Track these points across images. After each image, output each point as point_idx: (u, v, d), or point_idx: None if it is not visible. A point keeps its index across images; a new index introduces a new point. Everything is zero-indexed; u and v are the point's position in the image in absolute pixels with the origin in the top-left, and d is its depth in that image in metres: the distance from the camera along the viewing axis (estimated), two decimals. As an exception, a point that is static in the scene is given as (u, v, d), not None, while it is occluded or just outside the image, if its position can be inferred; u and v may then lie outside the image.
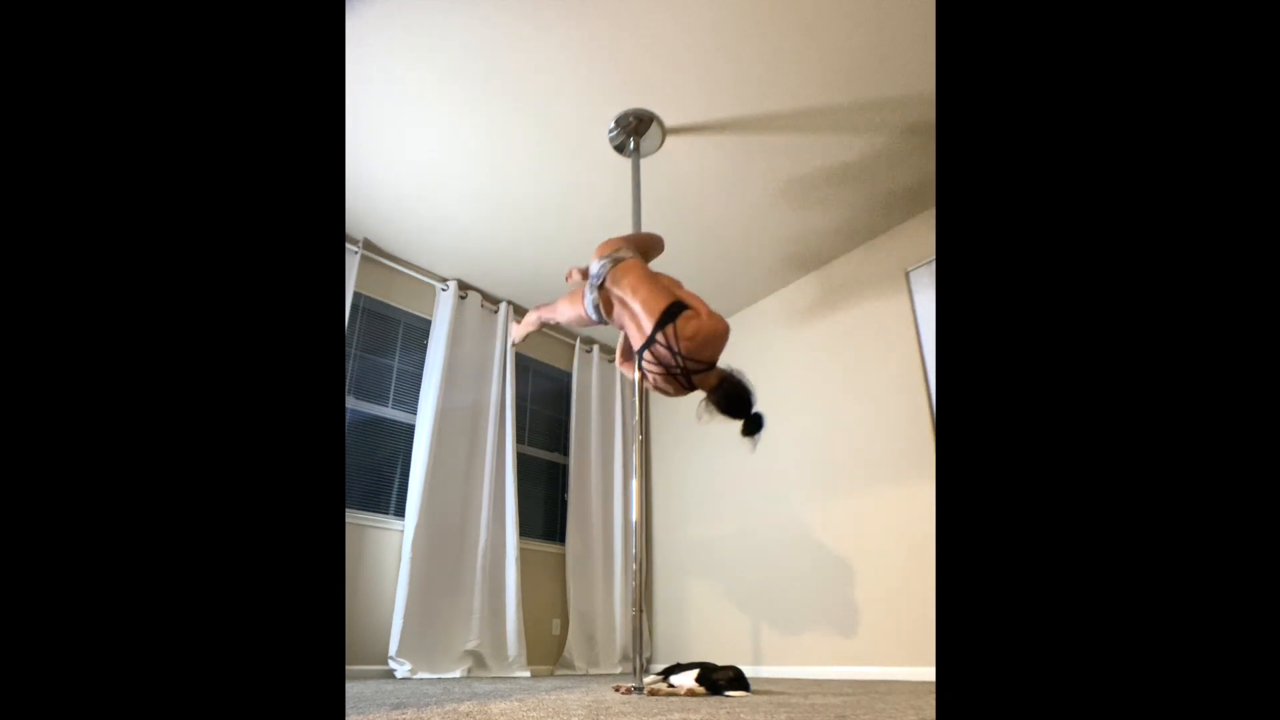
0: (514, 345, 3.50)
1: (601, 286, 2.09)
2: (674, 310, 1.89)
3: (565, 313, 2.29)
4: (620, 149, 2.76)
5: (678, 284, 2.09)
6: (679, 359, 1.87)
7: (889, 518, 2.90)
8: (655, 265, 2.80)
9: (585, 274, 2.39)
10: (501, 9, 2.19)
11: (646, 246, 2.29)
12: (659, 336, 1.88)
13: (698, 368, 1.89)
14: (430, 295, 3.71)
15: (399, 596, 2.99)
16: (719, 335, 1.89)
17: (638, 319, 1.96)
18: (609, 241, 2.20)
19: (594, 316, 2.16)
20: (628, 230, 3.26)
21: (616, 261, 2.07)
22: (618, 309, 2.06)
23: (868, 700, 1.55)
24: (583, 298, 2.18)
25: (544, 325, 2.59)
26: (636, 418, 2.21)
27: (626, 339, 2.18)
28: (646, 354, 1.93)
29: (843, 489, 3.14)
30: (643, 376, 2.03)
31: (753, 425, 1.95)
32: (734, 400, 1.93)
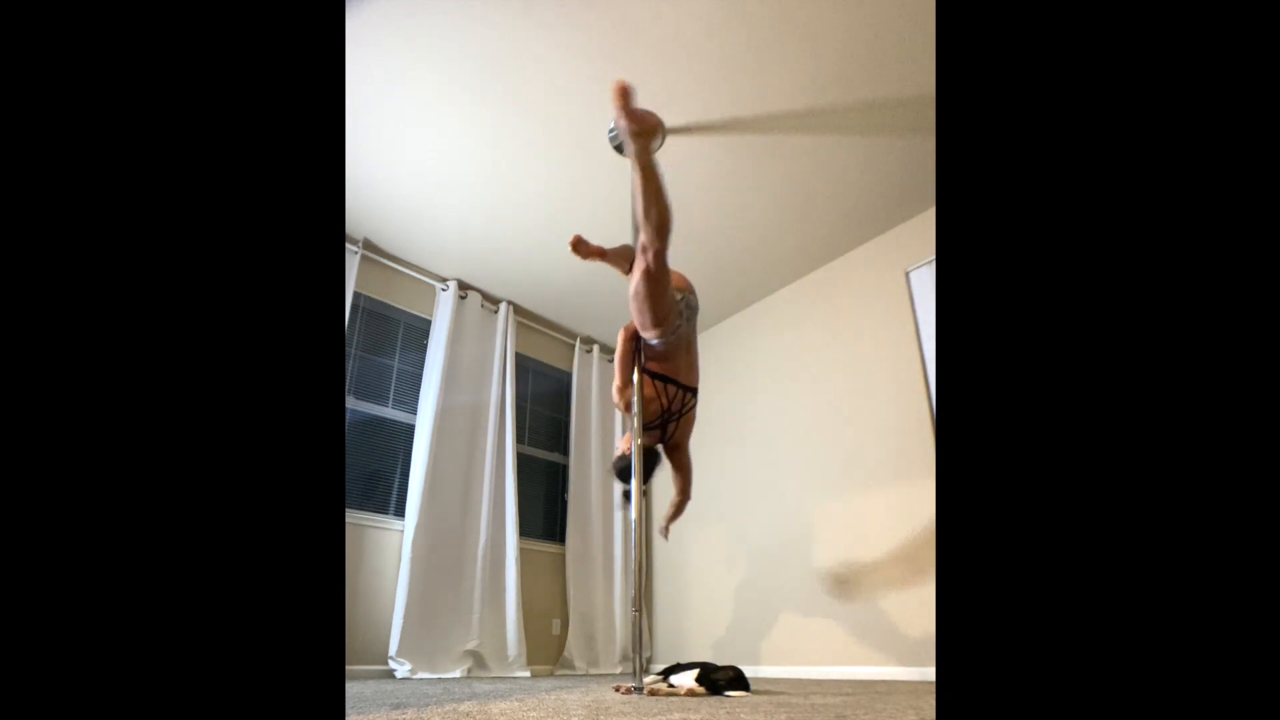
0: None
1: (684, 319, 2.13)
2: (696, 393, 2.23)
3: (665, 294, 1.90)
4: (620, 149, 2.76)
5: None
6: (668, 417, 2.17)
7: (889, 518, 2.90)
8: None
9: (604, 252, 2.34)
10: (501, 9, 2.19)
11: None
12: (688, 396, 2.17)
13: (676, 436, 2.24)
14: (430, 295, 3.71)
15: (399, 596, 2.99)
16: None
17: (689, 369, 2.18)
18: (681, 275, 2.21)
19: (667, 334, 1.99)
20: (627, 231, 3.26)
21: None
22: (678, 343, 2.11)
23: (868, 700, 1.55)
24: (674, 312, 2.00)
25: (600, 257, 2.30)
26: (636, 418, 2.21)
27: (634, 366, 2.18)
28: (673, 389, 2.16)
29: (843, 489, 3.14)
30: (636, 388, 2.17)
31: (627, 495, 2.21)
32: (647, 469, 2.19)
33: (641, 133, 1.62)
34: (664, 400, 2.10)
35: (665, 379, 2.11)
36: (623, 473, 2.19)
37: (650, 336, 2.03)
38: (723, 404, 4.00)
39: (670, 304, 1.95)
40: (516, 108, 2.59)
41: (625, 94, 1.59)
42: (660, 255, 1.80)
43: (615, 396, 2.22)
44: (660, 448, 2.25)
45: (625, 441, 2.22)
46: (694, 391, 2.19)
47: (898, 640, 2.73)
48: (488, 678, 3.05)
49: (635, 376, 2.16)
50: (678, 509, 2.46)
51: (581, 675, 3.50)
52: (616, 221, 3.25)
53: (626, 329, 2.17)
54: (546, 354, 4.27)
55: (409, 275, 3.63)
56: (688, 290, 2.12)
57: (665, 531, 2.60)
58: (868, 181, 2.98)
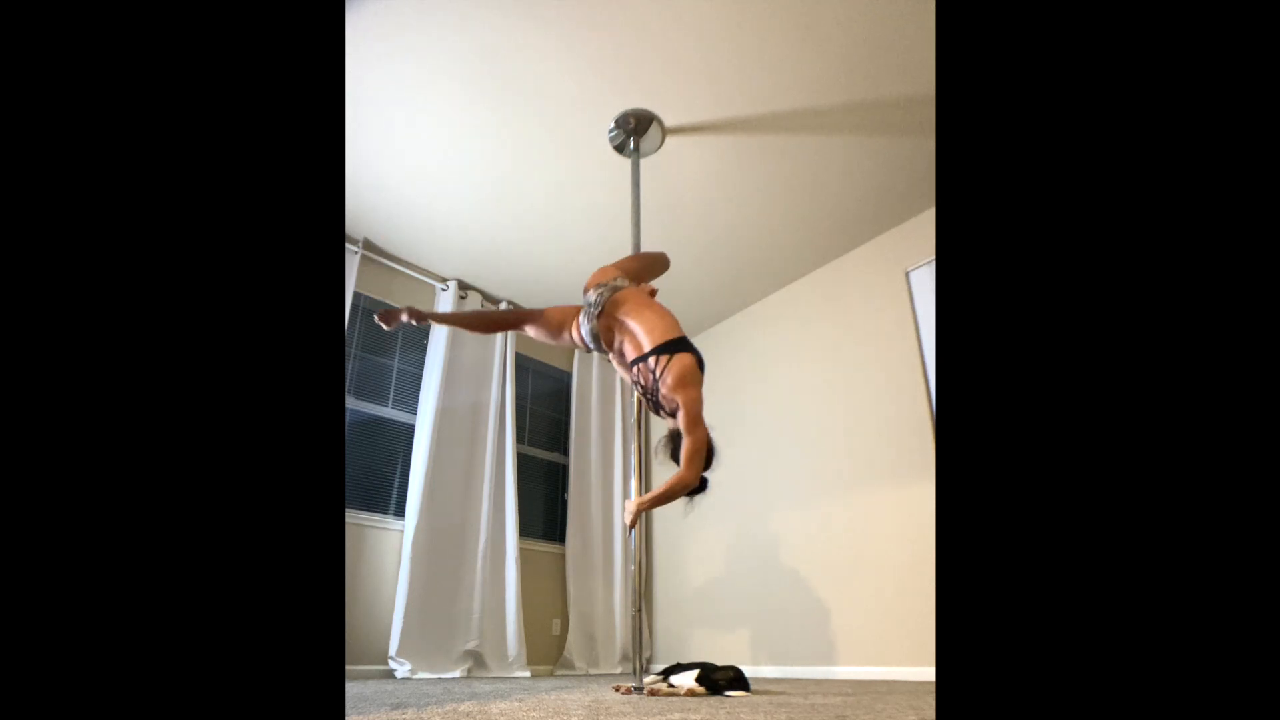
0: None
1: (601, 314, 2.04)
2: (678, 345, 1.94)
3: (549, 323, 2.18)
4: (620, 149, 2.76)
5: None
6: (654, 393, 1.95)
7: (889, 518, 2.90)
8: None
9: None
10: (502, 9, 2.19)
11: (643, 268, 2.31)
12: (651, 360, 1.93)
13: (669, 405, 1.95)
14: (430, 295, 3.71)
15: (399, 596, 2.99)
16: (690, 380, 1.94)
17: (638, 339, 1.99)
18: (604, 270, 2.19)
19: (590, 344, 2.10)
20: (627, 231, 3.26)
21: (615, 290, 2.09)
22: (617, 335, 2.05)
23: (868, 700, 1.55)
24: (576, 321, 2.12)
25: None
26: (636, 418, 2.21)
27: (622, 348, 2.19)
28: (636, 368, 2.00)
29: (843, 489, 3.14)
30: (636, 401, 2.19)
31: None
32: (676, 455, 1.98)
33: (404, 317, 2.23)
34: (639, 384, 2.02)
35: (633, 363, 2.03)
36: (673, 460, 1.99)
37: (580, 345, 2.16)
38: (722, 404, 4.00)
39: (543, 324, 2.21)
40: (517, 107, 2.59)
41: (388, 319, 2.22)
42: (477, 323, 2.43)
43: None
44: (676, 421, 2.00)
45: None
46: (662, 350, 1.93)
47: (898, 640, 2.73)
48: (488, 678, 3.05)
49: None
50: (664, 489, 1.86)
51: (581, 675, 3.50)
52: (616, 221, 3.25)
53: (618, 369, 2.22)
54: (546, 354, 4.27)
55: (409, 275, 3.63)
56: (588, 287, 2.16)
57: (630, 520, 2.00)
58: (868, 181, 2.98)
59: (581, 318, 2.10)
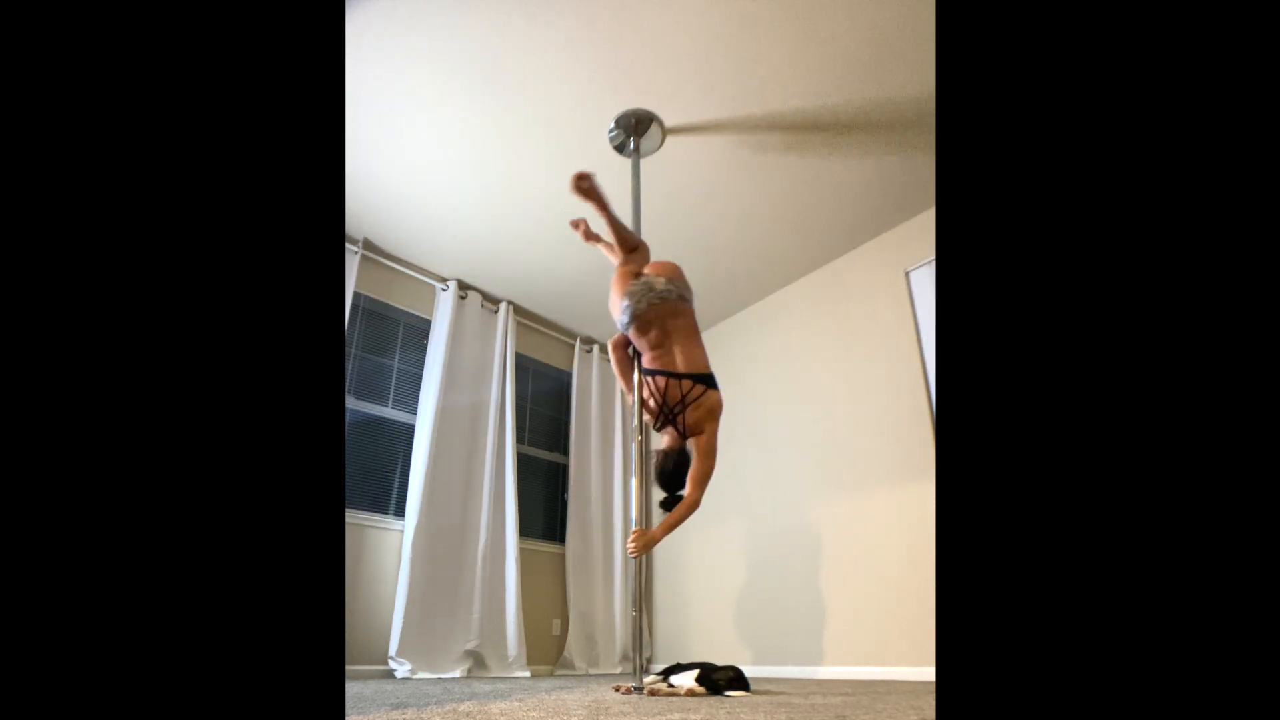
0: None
1: (655, 307, 2.09)
2: (711, 380, 2.12)
3: (634, 260, 2.26)
4: (620, 149, 2.76)
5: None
6: (672, 408, 2.08)
7: (889, 517, 2.90)
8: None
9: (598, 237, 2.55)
10: (502, 9, 2.19)
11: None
12: (685, 383, 2.07)
13: (693, 430, 2.09)
14: (430, 295, 3.71)
15: (399, 596, 2.99)
16: (718, 414, 2.11)
17: (675, 357, 2.11)
18: (673, 266, 2.24)
19: (624, 314, 2.12)
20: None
21: (681, 299, 2.15)
22: (656, 334, 2.11)
23: (868, 700, 1.55)
24: (630, 283, 2.15)
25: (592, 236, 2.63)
26: (636, 418, 2.21)
27: (631, 346, 2.23)
28: (659, 382, 2.10)
29: (843, 489, 3.14)
30: (642, 389, 2.19)
31: (668, 501, 2.12)
32: (674, 473, 2.10)
33: None
34: (658, 395, 2.09)
35: (656, 372, 2.10)
36: (660, 477, 2.10)
37: (617, 298, 2.16)
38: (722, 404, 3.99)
39: (631, 260, 2.25)
40: (517, 107, 2.59)
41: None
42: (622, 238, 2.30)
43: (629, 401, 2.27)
44: (688, 444, 2.12)
45: (662, 443, 2.15)
46: (700, 378, 2.09)
47: (898, 640, 2.73)
48: (488, 678, 3.05)
49: (636, 378, 2.17)
50: (677, 516, 2.03)
51: (581, 675, 3.50)
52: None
53: (612, 340, 2.29)
54: (546, 354, 4.27)
55: (409, 275, 3.63)
56: (662, 274, 2.18)
57: (634, 546, 2.04)
58: (868, 181, 2.98)
59: (636, 290, 2.11)
